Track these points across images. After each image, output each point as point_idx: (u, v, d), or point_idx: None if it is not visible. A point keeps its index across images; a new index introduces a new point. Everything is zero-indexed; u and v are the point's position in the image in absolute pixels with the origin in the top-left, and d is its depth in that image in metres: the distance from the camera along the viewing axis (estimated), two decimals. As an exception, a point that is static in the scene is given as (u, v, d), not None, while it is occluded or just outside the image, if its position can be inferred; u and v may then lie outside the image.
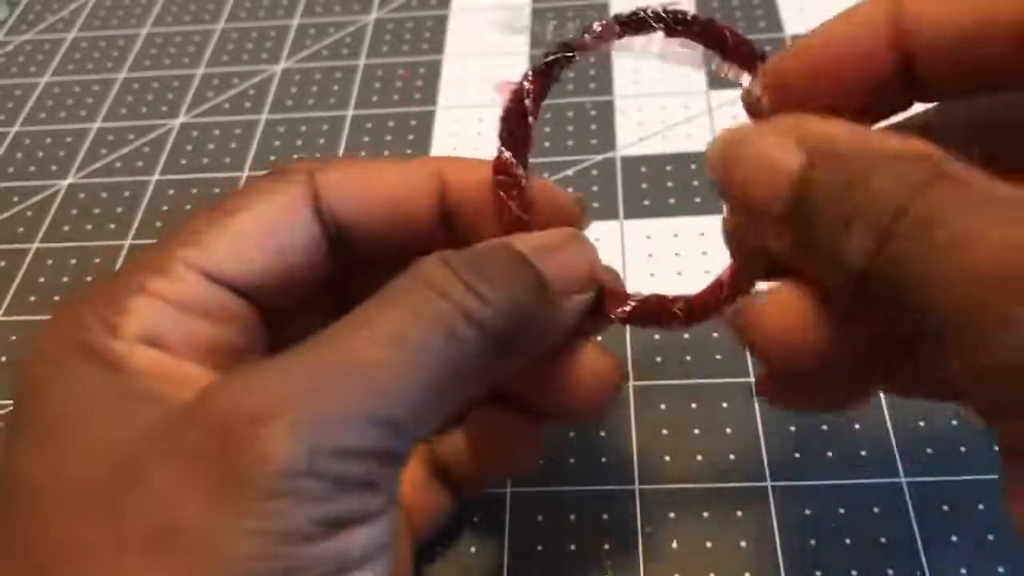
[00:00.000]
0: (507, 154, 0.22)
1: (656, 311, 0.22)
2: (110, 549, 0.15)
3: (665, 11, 0.21)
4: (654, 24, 0.21)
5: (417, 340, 0.17)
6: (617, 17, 0.21)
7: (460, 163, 0.23)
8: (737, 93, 0.40)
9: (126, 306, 0.19)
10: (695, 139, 0.38)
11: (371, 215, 0.22)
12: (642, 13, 0.21)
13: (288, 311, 0.22)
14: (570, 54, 0.22)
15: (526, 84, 0.22)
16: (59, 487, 0.16)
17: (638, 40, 0.22)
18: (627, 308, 0.22)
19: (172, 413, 0.17)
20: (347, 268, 0.23)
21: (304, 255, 0.21)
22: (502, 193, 0.22)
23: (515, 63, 0.42)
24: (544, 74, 0.22)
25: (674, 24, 0.21)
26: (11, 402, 0.32)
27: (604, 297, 0.22)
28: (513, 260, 0.19)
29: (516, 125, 0.22)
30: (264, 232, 0.20)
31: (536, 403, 0.23)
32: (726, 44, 0.21)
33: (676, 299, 0.22)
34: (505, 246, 0.20)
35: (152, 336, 0.19)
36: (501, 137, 0.22)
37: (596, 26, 0.21)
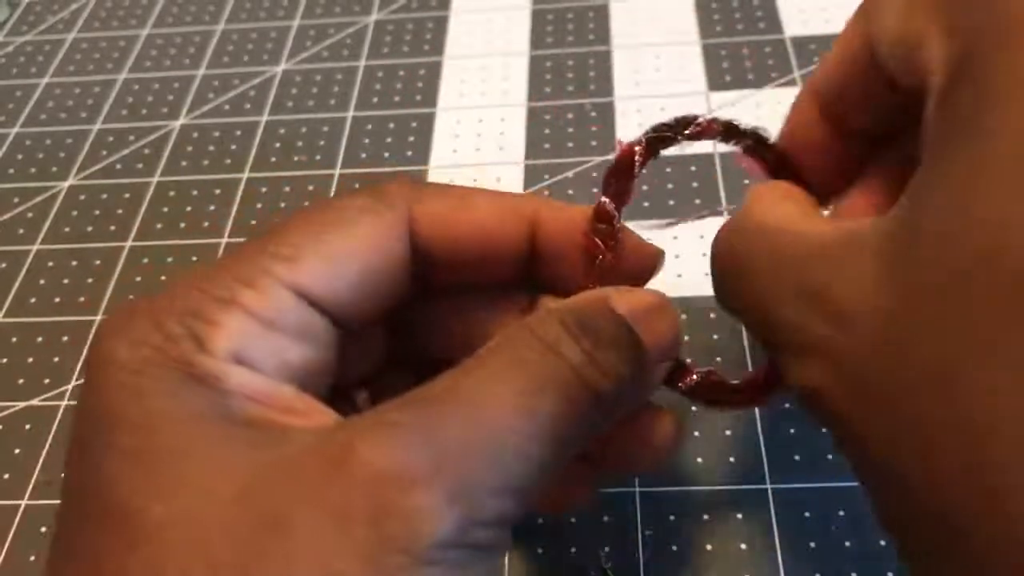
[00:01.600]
0: (610, 204, 0.22)
1: (715, 391, 0.23)
2: None
3: (757, 130, 0.23)
4: (744, 138, 0.23)
5: (546, 411, 0.17)
6: (717, 119, 0.23)
7: (555, 204, 0.23)
8: (735, 95, 0.40)
9: (216, 319, 0.18)
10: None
11: (461, 247, 0.22)
12: (742, 127, 0.23)
13: (355, 329, 0.21)
14: (672, 136, 0.23)
15: (637, 147, 0.23)
16: (184, 522, 0.16)
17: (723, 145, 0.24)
18: (693, 381, 0.22)
19: (302, 455, 0.16)
20: (415, 291, 0.22)
21: (392, 280, 0.21)
22: (599, 241, 0.22)
23: (515, 63, 0.42)
24: (651, 143, 0.23)
25: (757, 144, 0.23)
26: (12, 404, 0.33)
27: (677, 368, 0.22)
28: (620, 327, 0.19)
29: (621, 178, 0.23)
30: (359, 256, 0.20)
31: (598, 456, 0.23)
32: (781, 173, 0.23)
33: (728, 383, 0.23)
34: (606, 304, 0.20)
35: (241, 354, 0.18)
36: (606, 188, 0.23)
37: (701, 120, 0.23)
